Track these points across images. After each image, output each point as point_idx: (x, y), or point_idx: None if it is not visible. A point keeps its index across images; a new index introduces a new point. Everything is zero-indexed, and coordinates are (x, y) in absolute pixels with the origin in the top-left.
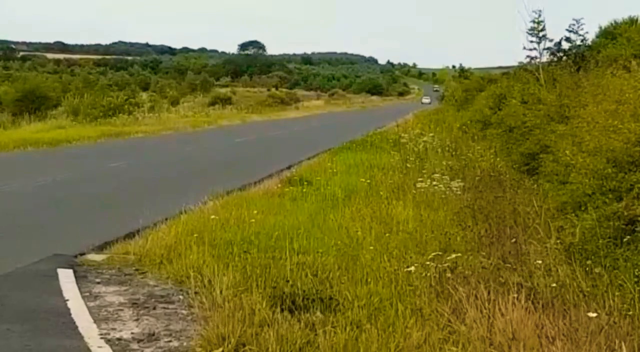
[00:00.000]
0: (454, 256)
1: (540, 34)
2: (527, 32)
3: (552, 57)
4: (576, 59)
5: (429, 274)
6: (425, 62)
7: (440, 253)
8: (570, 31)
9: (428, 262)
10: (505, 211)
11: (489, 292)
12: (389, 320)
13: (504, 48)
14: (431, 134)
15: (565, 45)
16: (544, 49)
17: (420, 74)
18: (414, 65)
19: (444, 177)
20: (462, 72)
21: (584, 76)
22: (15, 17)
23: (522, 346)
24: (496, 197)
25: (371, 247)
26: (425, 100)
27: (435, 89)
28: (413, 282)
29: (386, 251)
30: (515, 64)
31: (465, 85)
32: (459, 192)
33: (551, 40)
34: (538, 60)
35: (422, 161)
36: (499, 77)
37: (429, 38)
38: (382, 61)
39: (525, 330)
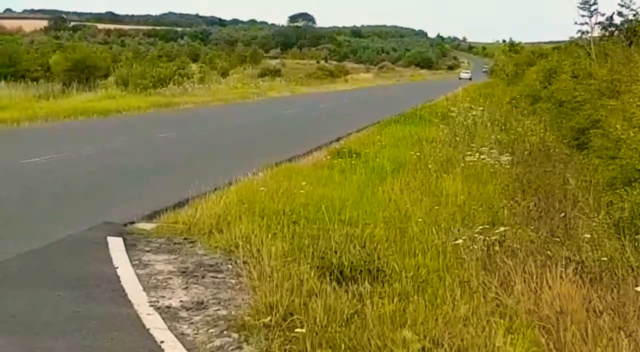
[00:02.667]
0: (502, 229)
1: (592, 8)
2: (579, 7)
3: (603, 31)
4: (628, 34)
5: (477, 247)
6: (476, 36)
7: (488, 226)
8: (622, 5)
9: (476, 235)
10: (554, 185)
11: (536, 266)
12: (437, 292)
13: (555, 22)
14: (480, 108)
15: (617, 19)
16: (596, 23)
17: (470, 48)
18: (464, 39)
19: (492, 151)
20: (512, 47)
21: (635, 51)
22: None
23: (570, 320)
24: (545, 172)
25: (419, 220)
26: (465, 75)
27: (484, 69)
28: (461, 255)
29: (434, 224)
30: (566, 38)
31: (515, 59)
32: (507, 166)
33: (603, 15)
34: (589, 34)
35: (471, 135)
36: (550, 51)
37: (479, 11)
38: (432, 34)
39: (572, 304)
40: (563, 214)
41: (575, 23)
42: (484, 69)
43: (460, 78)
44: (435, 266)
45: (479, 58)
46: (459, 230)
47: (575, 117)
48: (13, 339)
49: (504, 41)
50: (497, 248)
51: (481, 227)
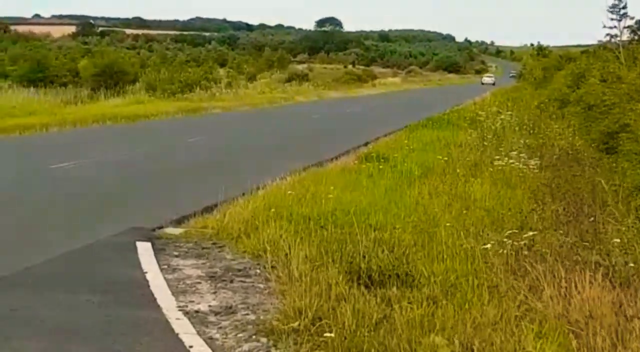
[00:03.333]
0: (530, 233)
1: (621, 12)
2: (608, 10)
3: (632, 35)
4: None
5: (505, 252)
6: (504, 39)
7: (517, 231)
8: None
9: (505, 240)
10: (583, 189)
11: (565, 270)
12: (465, 296)
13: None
14: (509, 112)
15: None
16: (625, 27)
17: (498, 52)
18: (492, 43)
19: (521, 155)
20: (541, 50)
21: None
22: None
23: (599, 324)
24: (574, 176)
25: (448, 224)
26: (487, 80)
27: (511, 74)
28: (489, 260)
29: (463, 228)
30: (595, 42)
31: (544, 63)
32: (536, 170)
33: (632, 18)
34: (618, 38)
35: (499, 139)
36: (578, 55)
37: (507, 15)
38: (459, 38)
39: (602, 308)
40: (592, 219)
41: (604, 27)
42: (511, 74)
43: (482, 83)
44: (464, 271)
45: (507, 62)
46: (487, 234)
47: (604, 121)
48: (43, 342)
49: (532, 45)
50: (525, 252)
51: (510, 231)
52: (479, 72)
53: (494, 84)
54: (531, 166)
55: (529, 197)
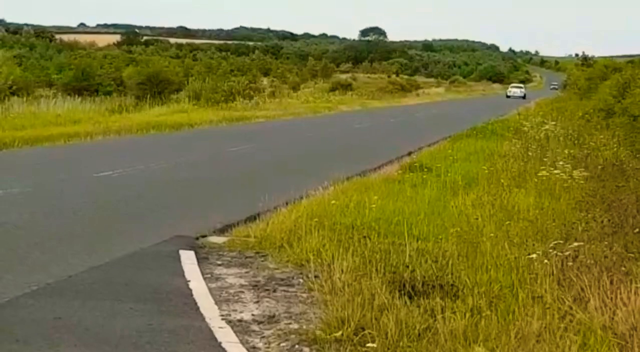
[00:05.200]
0: (575, 244)
1: None
2: None
3: None
4: None
5: (550, 262)
6: (548, 49)
7: (561, 241)
8: None
9: (549, 250)
10: (628, 200)
11: (611, 282)
12: (509, 307)
13: (629, 36)
14: (553, 123)
15: None
16: None
17: (543, 62)
18: (536, 53)
19: (565, 165)
20: (585, 61)
21: None
22: (139, 2)
23: None
24: (619, 187)
25: (492, 235)
26: (515, 91)
27: (552, 85)
28: (534, 270)
29: (507, 239)
30: None
31: (588, 73)
32: (581, 181)
33: None
34: None
35: (544, 149)
36: (624, 65)
37: (552, 25)
38: (503, 48)
39: None
40: (637, 230)
41: None
42: (552, 86)
43: (508, 96)
44: (508, 281)
45: (551, 72)
46: (532, 245)
47: None
48: (88, 350)
49: (576, 55)
50: (570, 263)
51: (554, 242)
52: (523, 82)
53: (524, 97)
54: (576, 177)
55: (573, 207)
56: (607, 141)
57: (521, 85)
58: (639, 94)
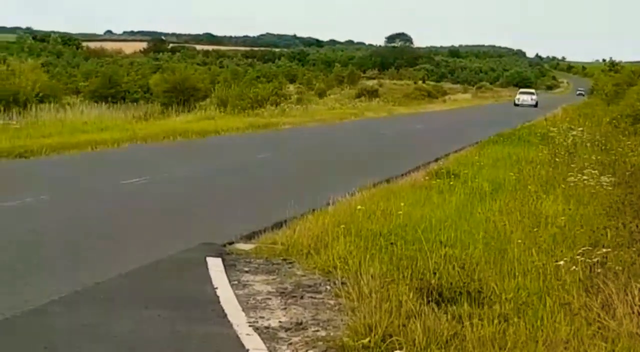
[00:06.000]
0: (603, 250)
1: None
2: None
3: None
4: None
5: (578, 269)
6: (575, 55)
7: (589, 248)
8: None
9: (577, 257)
10: None
11: (639, 288)
12: (537, 314)
13: None
14: (580, 128)
15: None
16: None
17: (569, 68)
18: (563, 59)
19: (593, 171)
20: (613, 66)
21: None
22: (165, 9)
23: None
24: None
25: (519, 241)
26: (524, 98)
27: (579, 91)
28: (562, 277)
29: (534, 245)
30: None
31: (616, 79)
32: (609, 187)
33: None
34: None
35: (571, 155)
36: None
37: (579, 31)
38: (530, 54)
39: None
40: None
41: None
42: (578, 92)
43: (516, 104)
44: (536, 288)
45: (578, 78)
46: (560, 252)
47: None
48: None
49: (604, 61)
50: (598, 270)
51: (582, 248)
52: (550, 88)
53: (535, 105)
54: (604, 183)
55: (601, 214)
56: (635, 147)
57: (532, 90)
58: None
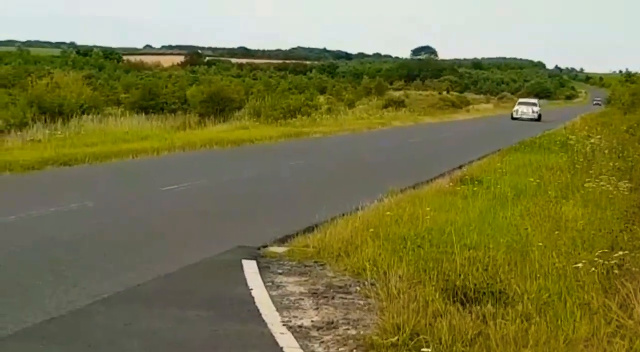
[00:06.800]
0: (621, 253)
1: None
2: None
3: None
4: None
5: (596, 270)
6: (593, 66)
7: (607, 250)
8: None
9: (596, 259)
10: None
11: None
12: (558, 314)
13: None
14: (598, 136)
15: None
16: None
17: (587, 78)
18: (581, 70)
19: (611, 177)
20: (629, 77)
21: None
22: (202, 24)
23: None
24: None
25: (540, 244)
26: (524, 110)
27: (595, 101)
28: (581, 278)
29: (555, 248)
30: None
31: (632, 89)
32: (625, 192)
33: None
34: None
35: (590, 162)
36: None
37: (596, 43)
38: (549, 66)
39: None
40: None
41: None
42: (594, 101)
43: (513, 118)
44: (556, 289)
45: (596, 88)
46: (579, 254)
47: None
48: None
49: (620, 71)
50: (616, 271)
51: (600, 251)
52: (569, 97)
53: (538, 118)
54: (621, 188)
55: (618, 218)
56: None
57: (534, 100)
58: None
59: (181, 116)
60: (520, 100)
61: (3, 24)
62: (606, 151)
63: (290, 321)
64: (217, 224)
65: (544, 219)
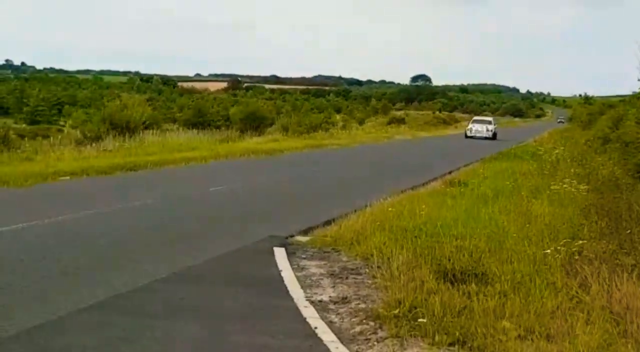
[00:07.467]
0: (580, 242)
1: None
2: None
3: None
4: None
5: (560, 256)
6: (558, 90)
7: (569, 240)
8: None
9: (560, 247)
10: (622, 208)
11: (608, 271)
12: (529, 291)
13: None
14: (562, 148)
15: None
16: None
17: (553, 101)
18: (549, 94)
19: (572, 181)
20: (587, 99)
21: None
22: (242, 56)
23: (635, 314)
24: (614, 198)
25: (514, 235)
26: (478, 128)
27: (559, 120)
28: (548, 262)
29: (526, 238)
30: (630, 92)
31: (589, 110)
32: (584, 193)
33: None
34: None
35: (555, 169)
36: (617, 103)
37: (561, 71)
38: (522, 90)
39: (637, 301)
40: (629, 231)
41: (639, 79)
42: (558, 120)
43: (467, 136)
44: (528, 271)
45: (560, 109)
46: (547, 243)
47: (637, 155)
48: (204, 323)
49: (580, 95)
50: (577, 257)
51: (564, 240)
52: (538, 116)
53: (494, 136)
54: (580, 190)
55: (578, 214)
56: (605, 162)
57: (489, 119)
58: (630, 126)
59: (224, 131)
60: (475, 117)
61: (82, 56)
62: (569, 160)
63: (312, 297)
64: (254, 216)
65: (518, 215)
